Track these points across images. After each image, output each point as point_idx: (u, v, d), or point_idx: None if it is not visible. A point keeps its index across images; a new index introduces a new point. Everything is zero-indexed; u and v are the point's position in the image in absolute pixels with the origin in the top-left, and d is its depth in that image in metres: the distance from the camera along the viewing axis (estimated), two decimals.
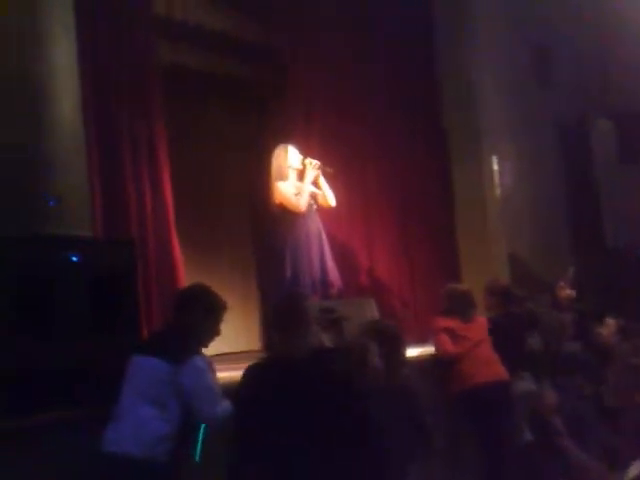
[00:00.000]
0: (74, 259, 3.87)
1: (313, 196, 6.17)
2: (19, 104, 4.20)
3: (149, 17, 5.86)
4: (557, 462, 5.47)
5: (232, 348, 6.31)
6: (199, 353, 3.45)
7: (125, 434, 3.22)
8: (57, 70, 4.40)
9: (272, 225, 6.36)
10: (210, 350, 3.73)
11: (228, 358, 5.54)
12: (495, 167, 8.00)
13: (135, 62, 5.65)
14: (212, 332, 3.59)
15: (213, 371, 3.53)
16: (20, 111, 4.19)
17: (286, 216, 6.04)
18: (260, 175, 7.39)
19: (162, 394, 3.27)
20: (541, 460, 5.29)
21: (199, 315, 3.51)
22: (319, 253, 6.06)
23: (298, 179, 6.21)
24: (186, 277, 5.88)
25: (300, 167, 6.17)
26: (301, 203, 5.97)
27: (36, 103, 4.27)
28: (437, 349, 5.21)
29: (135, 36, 5.69)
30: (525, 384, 5.26)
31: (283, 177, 6.14)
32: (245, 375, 3.68)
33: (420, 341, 6.35)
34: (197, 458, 3.45)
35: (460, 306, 5.18)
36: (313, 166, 6.15)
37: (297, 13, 7.30)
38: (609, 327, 6.59)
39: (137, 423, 3.22)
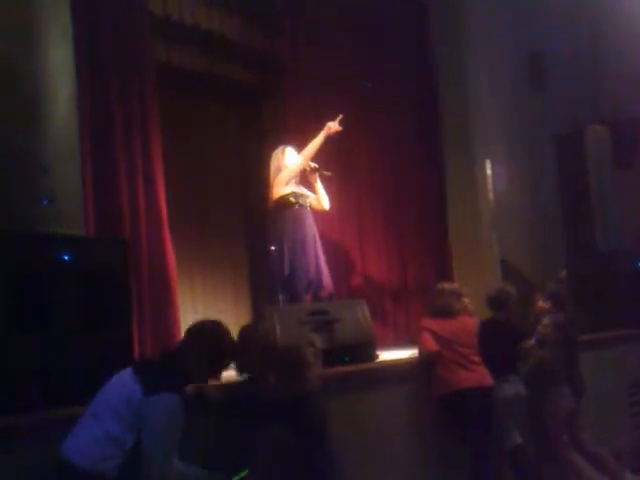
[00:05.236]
0: (66, 257, 3.87)
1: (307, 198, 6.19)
2: (14, 103, 4.21)
3: (145, 16, 5.87)
4: (552, 466, 5.47)
5: None
6: (175, 390, 3.20)
7: (78, 444, 3.15)
8: (53, 69, 4.41)
9: (268, 223, 6.36)
10: None
11: None
12: (488, 171, 8.01)
13: (131, 61, 5.66)
14: (206, 374, 3.46)
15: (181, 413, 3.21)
16: (14, 110, 4.20)
17: (283, 215, 6.04)
18: (253, 174, 7.44)
19: (123, 416, 3.16)
20: (531, 463, 5.29)
21: (197, 354, 3.33)
22: (314, 254, 6.06)
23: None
24: (178, 274, 5.92)
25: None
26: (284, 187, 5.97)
27: (31, 102, 4.28)
28: (420, 348, 5.22)
29: (131, 35, 5.70)
30: (512, 387, 5.25)
31: None
32: None
33: (412, 343, 6.38)
34: None
35: (446, 302, 5.17)
36: (311, 169, 6.15)
37: (293, 15, 7.31)
38: None
39: (91, 437, 3.14)
